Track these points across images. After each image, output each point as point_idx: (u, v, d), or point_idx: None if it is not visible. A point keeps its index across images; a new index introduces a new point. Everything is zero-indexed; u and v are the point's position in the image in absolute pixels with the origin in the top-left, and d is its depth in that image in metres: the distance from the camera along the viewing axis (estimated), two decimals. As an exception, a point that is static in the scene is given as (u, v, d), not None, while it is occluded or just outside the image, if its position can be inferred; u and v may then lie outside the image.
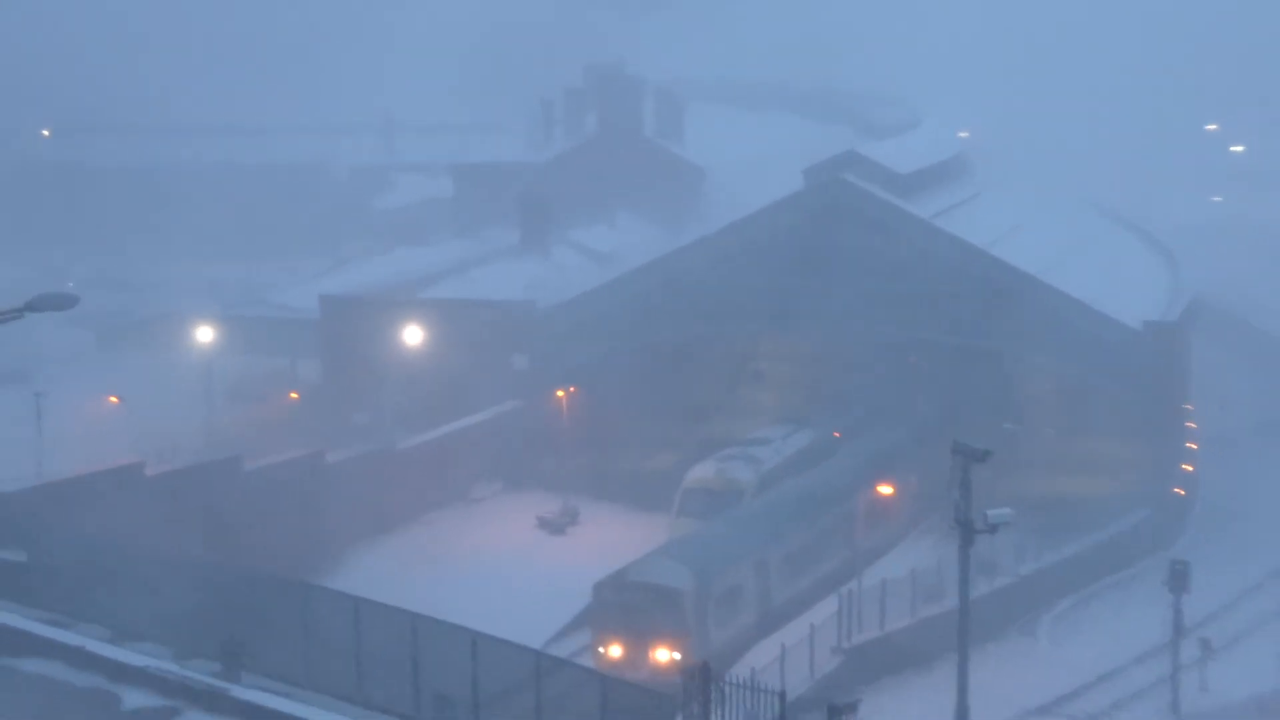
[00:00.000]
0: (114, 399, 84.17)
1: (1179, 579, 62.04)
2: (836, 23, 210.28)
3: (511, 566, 68.79)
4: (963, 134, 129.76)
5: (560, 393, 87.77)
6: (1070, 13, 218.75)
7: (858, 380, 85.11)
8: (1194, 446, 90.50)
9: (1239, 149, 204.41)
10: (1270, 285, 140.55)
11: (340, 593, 53.34)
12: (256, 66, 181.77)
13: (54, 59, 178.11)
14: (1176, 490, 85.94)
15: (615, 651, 56.48)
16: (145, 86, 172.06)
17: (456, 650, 46.70)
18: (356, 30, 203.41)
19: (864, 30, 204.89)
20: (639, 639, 56.78)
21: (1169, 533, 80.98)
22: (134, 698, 45.19)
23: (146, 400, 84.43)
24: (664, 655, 56.25)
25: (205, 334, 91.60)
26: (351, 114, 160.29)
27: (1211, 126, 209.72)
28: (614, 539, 73.33)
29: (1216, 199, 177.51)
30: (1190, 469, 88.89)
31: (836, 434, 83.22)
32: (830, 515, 72.74)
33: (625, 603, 57.77)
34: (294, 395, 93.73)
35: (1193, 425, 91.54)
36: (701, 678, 44.23)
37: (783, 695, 43.45)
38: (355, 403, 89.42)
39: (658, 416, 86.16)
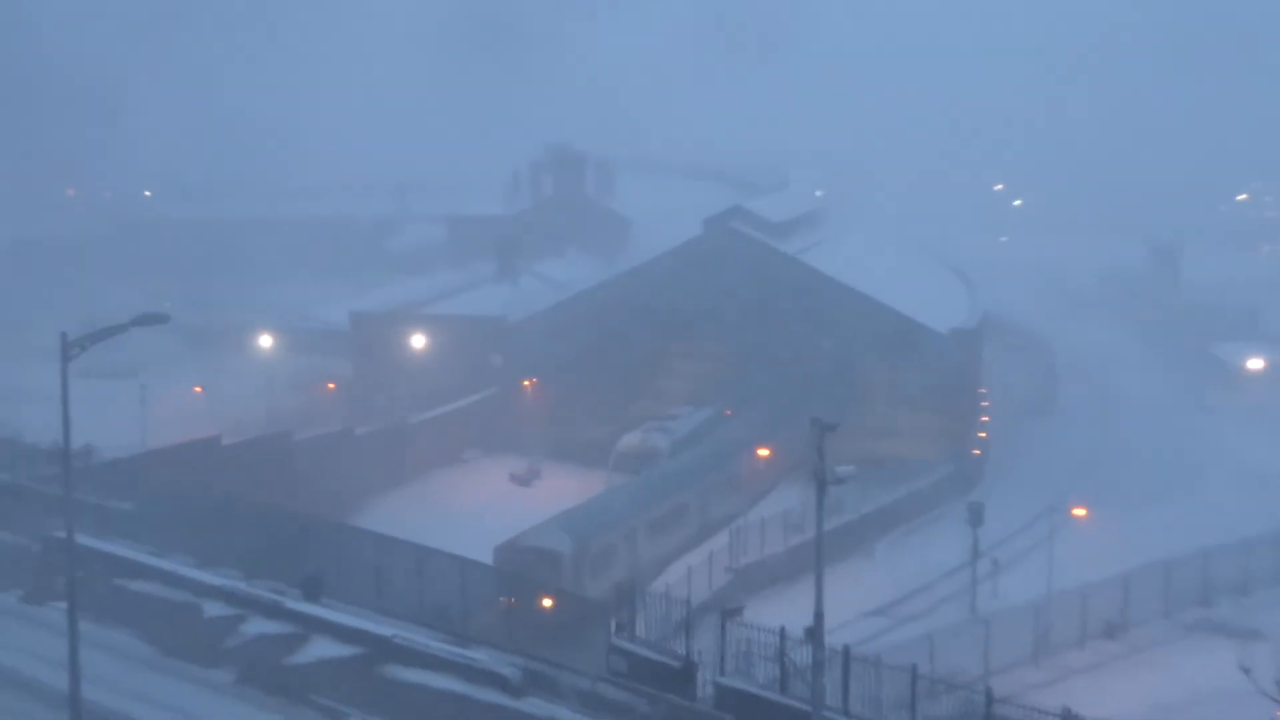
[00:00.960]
0: (198, 389, 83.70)
1: (975, 515, 62.60)
2: (730, 109, 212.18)
3: (490, 511, 68.56)
4: (819, 192, 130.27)
5: (526, 382, 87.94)
6: (899, 100, 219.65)
7: (746, 372, 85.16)
8: (986, 419, 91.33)
9: (1018, 203, 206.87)
10: (1040, 302, 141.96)
11: (365, 530, 53.49)
12: (303, 142, 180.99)
13: (149, 139, 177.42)
14: (974, 451, 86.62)
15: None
16: (220, 158, 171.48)
17: (450, 572, 46.72)
18: (376, 111, 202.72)
19: (747, 115, 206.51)
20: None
21: (968, 482, 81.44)
22: (212, 608, 45.23)
23: (222, 390, 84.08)
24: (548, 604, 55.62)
25: (266, 341, 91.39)
26: (372, 179, 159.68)
27: (999, 186, 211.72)
28: (566, 490, 73.07)
29: (1003, 239, 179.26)
30: (984, 436, 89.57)
31: (728, 412, 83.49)
32: (690, 490, 72.32)
33: (518, 562, 56.90)
34: (331, 386, 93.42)
35: (986, 404, 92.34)
36: (629, 590, 44.19)
37: (688, 602, 43.45)
38: (376, 390, 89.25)
39: (598, 399, 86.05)
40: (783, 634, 39.10)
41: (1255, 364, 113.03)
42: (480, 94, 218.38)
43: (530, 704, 38.42)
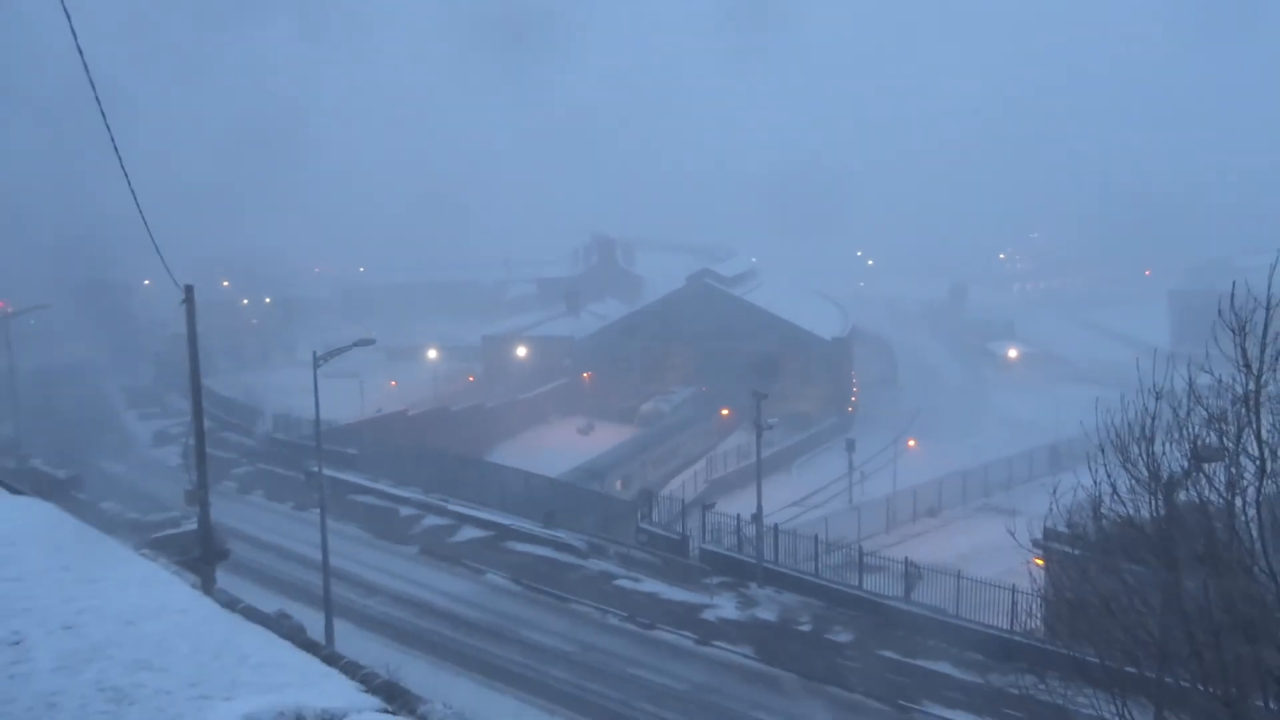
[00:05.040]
0: (393, 383, 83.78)
1: (850, 446, 62.37)
2: (700, 204, 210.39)
3: (565, 450, 68.36)
4: (753, 259, 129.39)
5: (585, 375, 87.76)
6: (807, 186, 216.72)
7: (714, 365, 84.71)
8: (855, 389, 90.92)
9: (871, 262, 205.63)
10: (884, 320, 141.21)
11: (492, 462, 53.42)
12: (445, 235, 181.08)
13: (360, 233, 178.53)
14: (849, 409, 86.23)
15: None
16: (401, 242, 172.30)
17: (545, 486, 46.66)
18: (492, 213, 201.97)
19: (708, 208, 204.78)
20: None
21: (845, 426, 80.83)
22: (405, 511, 45.33)
23: (408, 383, 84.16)
24: None
25: (432, 353, 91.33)
26: (490, 255, 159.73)
27: (859, 252, 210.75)
28: (610, 437, 72.98)
29: (861, 284, 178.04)
30: (854, 399, 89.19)
31: (704, 389, 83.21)
32: (682, 435, 72.65)
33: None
34: (471, 379, 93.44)
35: (855, 380, 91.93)
36: (648, 494, 44.12)
37: (683, 501, 43.40)
38: (497, 381, 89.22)
39: (627, 383, 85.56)
40: (739, 518, 39.12)
41: (1013, 353, 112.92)
42: (551, 198, 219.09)
43: (591, 562, 38.45)
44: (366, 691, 5.11)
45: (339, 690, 5.09)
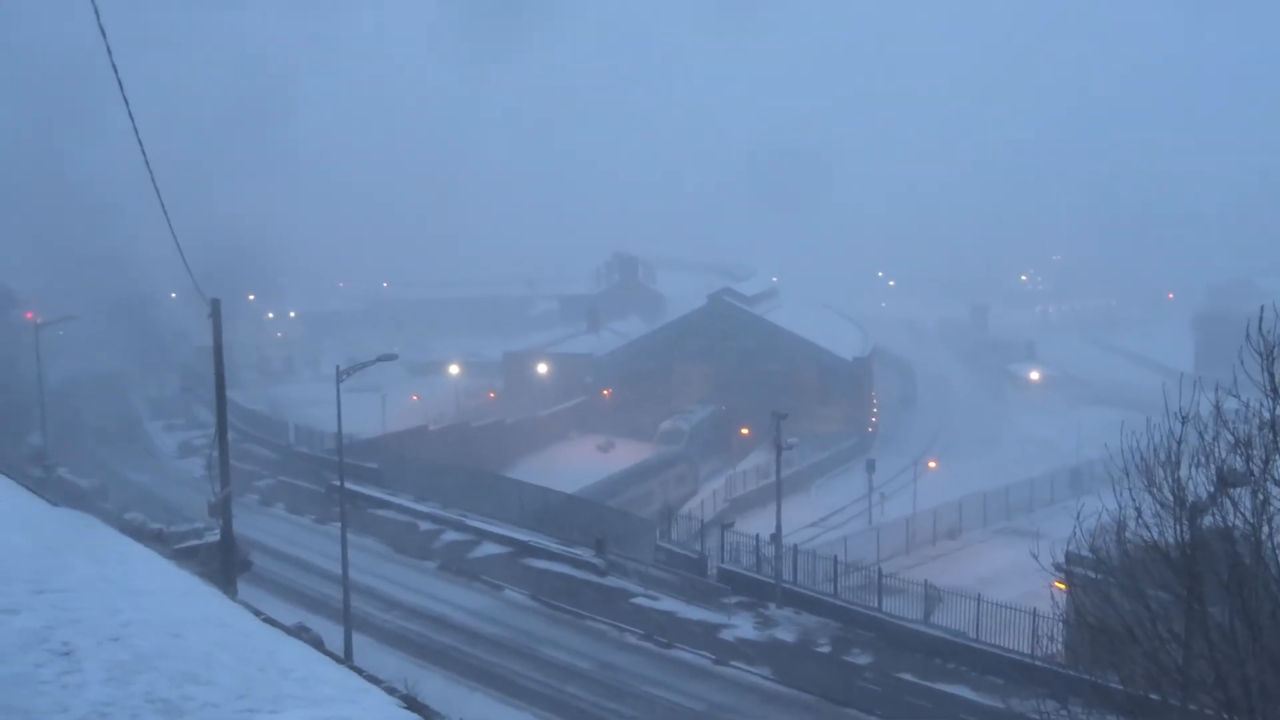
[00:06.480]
0: (415, 398, 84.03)
1: (870, 466, 62.15)
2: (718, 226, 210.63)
3: (583, 467, 68.36)
4: (774, 279, 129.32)
5: (605, 392, 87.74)
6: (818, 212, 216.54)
7: (733, 383, 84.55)
8: (876, 409, 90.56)
9: (892, 283, 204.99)
10: (904, 340, 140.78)
11: (511, 478, 53.50)
12: (471, 253, 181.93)
13: (381, 251, 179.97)
14: (869, 429, 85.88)
15: None
16: (426, 262, 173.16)
17: (562, 503, 46.66)
18: (518, 236, 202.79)
19: (728, 230, 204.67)
20: None
21: (866, 446, 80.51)
22: (424, 525, 45.46)
23: (429, 398, 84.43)
24: None
25: (454, 369, 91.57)
26: (513, 272, 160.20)
27: (880, 273, 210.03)
28: (629, 455, 72.87)
29: (883, 304, 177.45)
30: (874, 419, 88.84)
31: (723, 407, 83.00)
32: (701, 454, 72.42)
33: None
34: (492, 395, 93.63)
35: (875, 400, 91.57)
36: (667, 512, 44.12)
37: (702, 520, 43.38)
38: (519, 398, 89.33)
39: (646, 400, 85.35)
40: (758, 538, 39.03)
41: (1035, 375, 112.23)
42: (568, 219, 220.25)
43: (610, 579, 38.42)
44: (405, 708, 5.21)
45: (378, 706, 5.19)
